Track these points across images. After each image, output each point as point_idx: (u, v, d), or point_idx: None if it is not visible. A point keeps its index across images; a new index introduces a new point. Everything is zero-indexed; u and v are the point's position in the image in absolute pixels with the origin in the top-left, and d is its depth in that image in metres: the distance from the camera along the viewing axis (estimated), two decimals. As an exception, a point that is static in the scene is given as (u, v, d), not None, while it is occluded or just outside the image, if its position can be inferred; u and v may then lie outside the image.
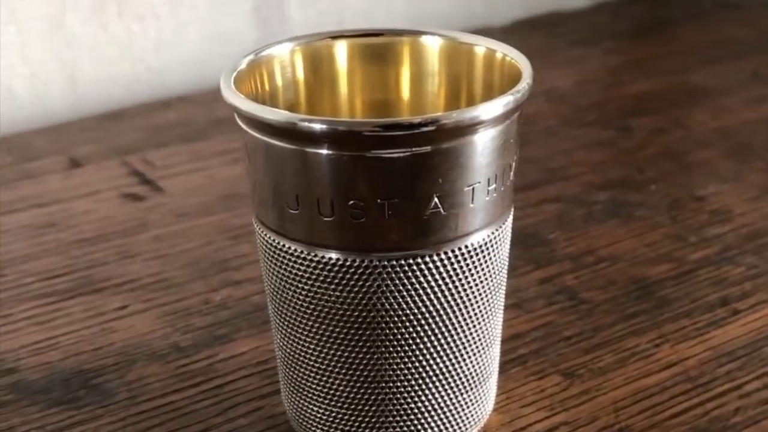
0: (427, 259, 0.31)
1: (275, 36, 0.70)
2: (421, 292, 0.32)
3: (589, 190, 0.52)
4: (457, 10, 0.77)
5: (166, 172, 0.56)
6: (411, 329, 0.32)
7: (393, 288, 0.32)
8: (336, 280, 0.32)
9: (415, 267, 0.32)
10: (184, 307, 0.44)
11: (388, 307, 0.32)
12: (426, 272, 0.32)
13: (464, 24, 0.76)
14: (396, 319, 0.32)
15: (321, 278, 0.32)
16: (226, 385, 0.39)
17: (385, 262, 0.31)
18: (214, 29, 0.68)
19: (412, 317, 0.32)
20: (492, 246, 0.33)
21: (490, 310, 0.34)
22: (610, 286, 0.44)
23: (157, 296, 0.45)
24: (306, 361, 0.33)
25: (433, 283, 0.32)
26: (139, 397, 0.39)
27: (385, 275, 0.31)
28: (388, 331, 0.32)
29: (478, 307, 0.33)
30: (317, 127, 0.29)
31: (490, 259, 0.33)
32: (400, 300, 0.32)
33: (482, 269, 0.33)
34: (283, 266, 0.32)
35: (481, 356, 0.34)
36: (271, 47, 0.34)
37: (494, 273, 0.34)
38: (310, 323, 0.33)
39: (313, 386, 0.34)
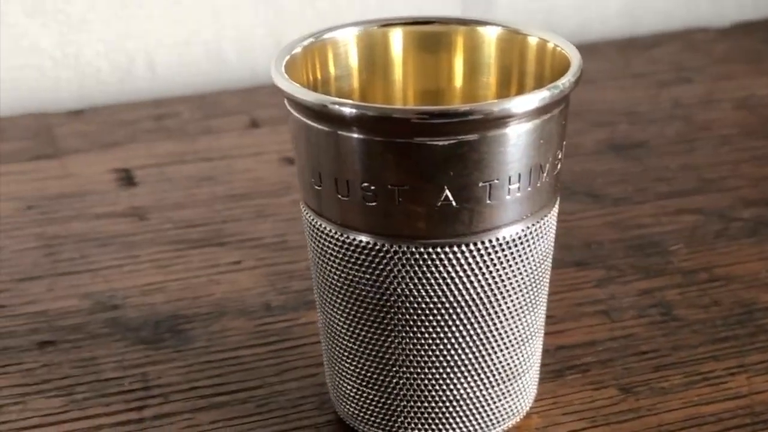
0: (455, 249, 0.31)
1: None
2: (449, 281, 0.31)
3: (736, 206, 0.49)
4: (679, 7, 0.74)
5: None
6: (438, 318, 0.32)
7: (421, 275, 0.31)
8: (365, 263, 0.32)
9: (443, 256, 0.31)
10: (289, 270, 0.45)
11: (416, 293, 0.32)
12: (454, 262, 0.31)
13: (686, 22, 0.72)
14: (423, 306, 0.32)
15: (352, 260, 0.32)
16: (293, 349, 0.40)
17: (413, 249, 0.31)
18: (418, 11, 0.69)
19: (440, 306, 0.32)
20: (526, 241, 0.32)
21: (525, 305, 0.33)
22: (711, 307, 0.41)
23: (271, 256, 0.46)
24: (340, 340, 0.34)
25: (461, 274, 0.31)
26: (213, 347, 0.40)
27: (413, 262, 0.31)
28: (416, 317, 0.32)
29: (510, 301, 0.32)
30: (347, 110, 0.29)
31: (525, 254, 0.32)
32: (428, 288, 0.31)
33: (514, 263, 0.32)
34: (321, 246, 0.33)
35: (513, 352, 0.33)
36: (326, 32, 0.34)
37: (529, 268, 0.32)
38: (344, 304, 0.33)
39: (346, 365, 0.34)
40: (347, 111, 0.29)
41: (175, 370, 0.39)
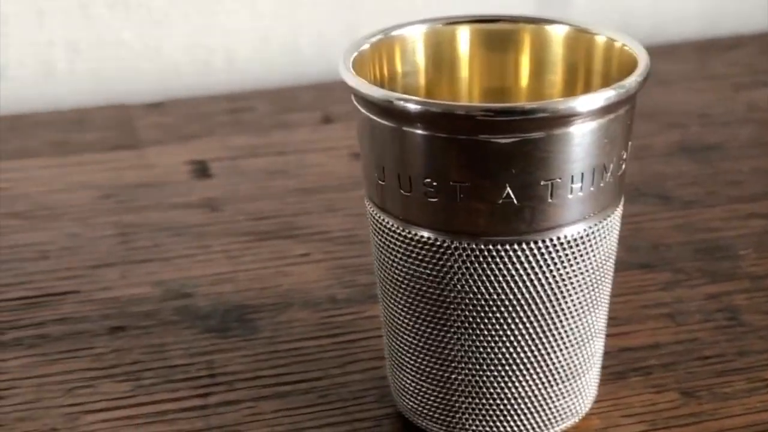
0: (516, 246, 0.31)
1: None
2: (509, 279, 0.31)
3: (810, 212, 0.48)
4: (759, 10, 0.73)
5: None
6: (498, 315, 0.32)
7: (481, 272, 0.31)
8: (427, 259, 0.32)
9: (503, 254, 0.31)
10: (356, 264, 0.45)
11: (476, 290, 0.32)
12: (515, 260, 0.31)
13: (766, 25, 0.71)
14: (484, 303, 0.32)
15: (414, 255, 0.32)
16: (357, 341, 0.40)
17: (474, 246, 0.31)
18: (492, 9, 0.68)
19: (499, 303, 0.32)
20: (589, 240, 0.32)
21: (586, 305, 0.33)
22: (780, 313, 0.41)
23: (338, 249, 0.46)
24: (401, 335, 0.34)
25: (522, 272, 0.31)
26: (279, 338, 0.41)
27: (473, 259, 0.31)
28: (475, 314, 0.32)
29: (571, 301, 0.32)
30: (411, 106, 0.29)
31: (587, 253, 0.32)
32: (488, 285, 0.32)
33: (576, 263, 0.32)
34: (384, 240, 0.33)
35: (573, 351, 0.33)
36: (394, 29, 0.34)
37: (591, 268, 0.32)
38: (405, 299, 0.33)
39: (407, 359, 0.34)
40: (412, 107, 0.29)
41: (240, 359, 0.39)
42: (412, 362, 0.34)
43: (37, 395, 0.38)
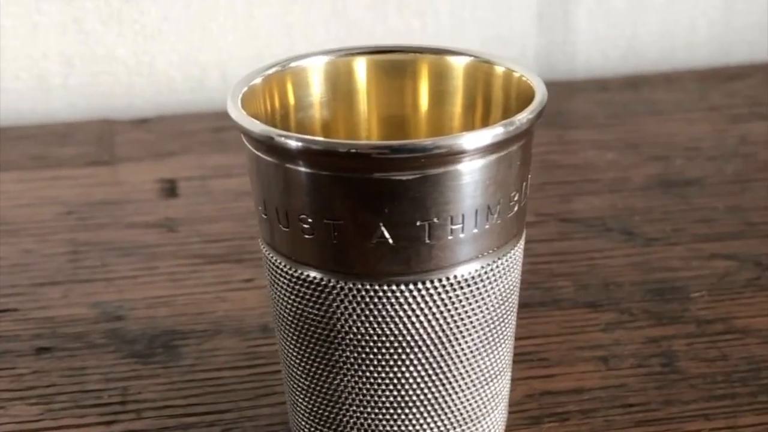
0: (402, 287, 0.30)
1: (558, 45, 0.68)
2: (397, 320, 0.30)
3: (777, 254, 0.46)
4: (772, 40, 0.70)
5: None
6: (387, 357, 0.31)
7: (368, 313, 0.30)
8: (313, 298, 0.31)
9: (390, 294, 0.30)
10: (296, 292, 0.44)
11: (363, 331, 0.30)
12: (402, 301, 0.30)
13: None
14: (372, 345, 0.31)
15: (302, 294, 0.31)
16: (277, 373, 0.39)
17: (359, 286, 0.30)
18: (494, 31, 0.67)
19: (388, 345, 0.31)
20: (482, 280, 0.30)
21: (484, 346, 0.31)
22: (718, 361, 0.39)
23: (283, 277, 0.45)
24: (294, 375, 0.33)
25: (409, 313, 0.30)
26: (199, 366, 0.40)
27: (360, 299, 0.30)
28: (364, 356, 0.31)
29: (465, 342, 0.31)
30: (292, 143, 0.28)
31: (482, 293, 0.30)
32: (375, 326, 0.30)
33: (468, 304, 0.30)
34: (272, 277, 0.32)
35: (472, 393, 0.32)
36: (290, 61, 0.33)
37: (488, 308, 0.31)
38: (295, 338, 0.32)
39: (300, 401, 0.33)
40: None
41: (156, 387, 0.39)
42: (305, 403, 0.33)
43: (-54, 415, 0.38)
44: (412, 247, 0.29)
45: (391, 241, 0.29)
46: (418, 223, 0.29)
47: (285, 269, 0.31)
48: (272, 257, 0.31)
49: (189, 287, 0.45)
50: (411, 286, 0.30)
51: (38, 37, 0.64)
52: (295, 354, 0.32)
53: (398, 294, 0.30)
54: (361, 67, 0.33)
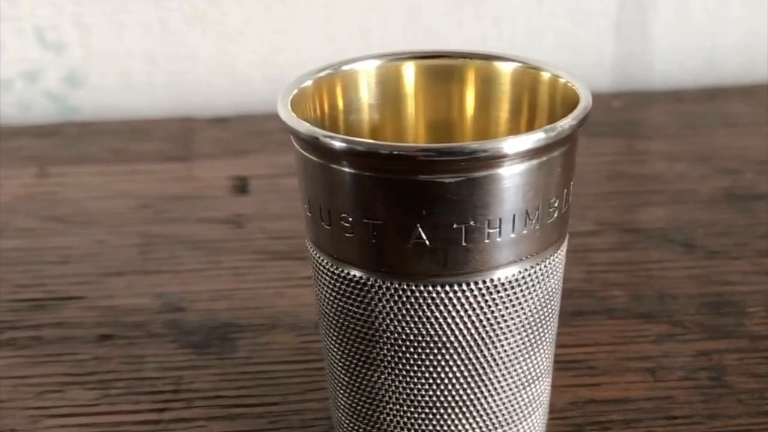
0: (440, 288, 0.30)
1: (635, 55, 0.67)
2: (435, 321, 0.30)
3: (841, 271, 0.45)
4: None
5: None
6: (424, 357, 0.31)
7: (407, 312, 0.30)
8: (355, 297, 0.31)
9: (427, 295, 0.30)
10: (353, 291, 0.45)
11: (402, 331, 0.31)
12: (439, 302, 0.30)
13: None
14: (410, 345, 0.31)
15: (343, 292, 0.31)
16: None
17: (396, 285, 0.30)
18: (571, 39, 0.67)
19: (426, 345, 0.31)
20: (520, 284, 0.30)
21: (523, 350, 0.31)
22: (767, 377, 0.38)
23: (341, 275, 0.46)
24: (336, 372, 0.33)
25: (446, 315, 0.30)
26: (253, 359, 0.40)
27: (397, 298, 0.30)
28: (404, 355, 0.31)
29: (503, 345, 0.31)
30: (336, 144, 0.29)
31: (518, 297, 0.30)
32: (414, 326, 0.31)
33: (507, 307, 0.30)
34: (316, 274, 0.32)
35: (509, 396, 0.32)
36: (341, 65, 0.33)
37: (526, 312, 0.31)
38: (336, 335, 0.32)
39: (341, 397, 0.33)
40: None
41: (209, 377, 0.40)
42: (345, 400, 0.33)
43: (10, 395, 0.39)
44: (449, 249, 0.29)
45: (428, 242, 0.29)
46: (454, 226, 0.29)
47: (328, 267, 0.31)
48: (316, 255, 0.32)
49: (250, 282, 0.46)
50: (449, 288, 0.30)
51: (124, 35, 0.66)
52: (336, 350, 0.32)
53: (435, 295, 0.30)
54: (409, 71, 0.33)
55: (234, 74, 0.67)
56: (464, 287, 0.30)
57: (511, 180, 0.29)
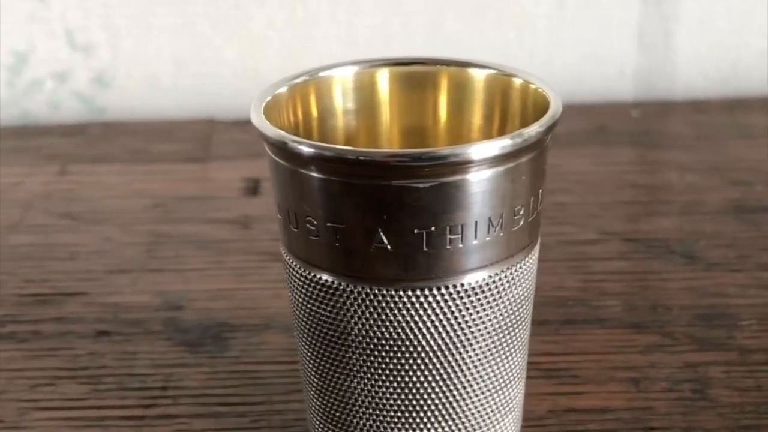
0: (413, 293, 0.30)
1: (657, 65, 0.67)
2: (405, 325, 0.30)
3: (840, 287, 0.44)
4: None
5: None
6: (399, 361, 0.31)
7: (378, 317, 0.30)
8: (324, 300, 0.31)
9: (396, 299, 0.30)
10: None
11: (375, 334, 0.31)
12: (407, 306, 0.30)
13: None
14: (380, 349, 0.31)
15: (313, 295, 0.31)
16: (312, 371, 0.40)
17: (369, 289, 0.30)
18: (592, 48, 0.66)
19: (396, 349, 0.31)
20: (489, 289, 0.30)
21: (493, 354, 0.31)
22: (752, 391, 0.38)
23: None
24: (308, 375, 0.33)
25: (416, 318, 0.30)
26: (242, 359, 0.41)
27: (368, 303, 0.30)
28: (373, 359, 0.31)
29: (473, 350, 0.31)
30: (304, 149, 0.29)
31: (487, 302, 0.30)
32: (388, 330, 0.31)
33: (476, 311, 0.30)
34: (290, 279, 0.32)
35: (482, 399, 0.32)
36: (317, 71, 0.34)
37: (496, 316, 0.31)
38: (309, 338, 0.32)
39: (314, 400, 0.33)
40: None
41: (198, 375, 0.40)
42: (317, 403, 0.33)
43: (4, 387, 0.40)
44: (411, 254, 0.29)
45: (389, 247, 0.29)
46: (415, 231, 0.29)
47: (298, 270, 0.31)
48: (288, 258, 0.32)
49: (251, 282, 0.46)
50: (416, 292, 0.30)
51: (151, 38, 0.66)
52: (308, 353, 0.33)
53: (405, 299, 0.30)
54: (384, 78, 0.34)
55: (258, 77, 0.67)
56: (429, 292, 0.30)
57: (476, 186, 0.29)
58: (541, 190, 0.31)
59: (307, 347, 0.33)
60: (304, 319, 0.32)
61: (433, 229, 0.29)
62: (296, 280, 0.32)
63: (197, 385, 0.39)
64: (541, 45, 0.66)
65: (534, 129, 0.29)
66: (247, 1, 0.66)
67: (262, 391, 0.39)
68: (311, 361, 0.33)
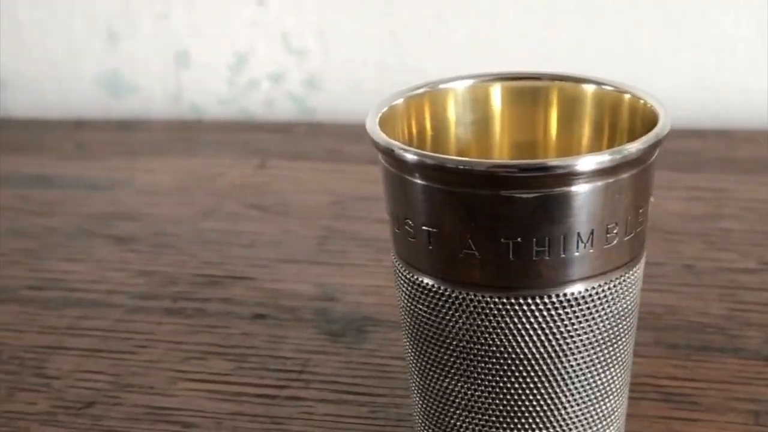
0: (513, 300, 0.30)
1: None
2: (506, 332, 0.30)
3: None
4: None
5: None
6: (494, 366, 0.31)
7: (479, 322, 0.31)
8: (424, 302, 0.32)
9: (492, 306, 0.30)
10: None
11: (475, 340, 0.31)
12: (505, 314, 0.30)
13: None
14: (483, 353, 0.31)
15: (418, 299, 0.32)
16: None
17: (472, 296, 0.31)
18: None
19: (498, 355, 0.31)
20: (590, 301, 0.30)
21: (594, 365, 0.31)
22: None
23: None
24: (412, 375, 0.34)
25: (518, 326, 0.30)
26: (378, 352, 0.42)
27: (465, 307, 0.31)
28: (476, 363, 0.31)
29: (574, 359, 0.31)
30: (409, 156, 0.30)
31: (587, 314, 0.30)
32: (486, 336, 0.31)
33: (575, 322, 0.30)
34: (396, 281, 0.33)
35: (580, 410, 0.32)
36: (436, 84, 0.34)
37: (596, 328, 0.31)
38: (411, 338, 0.33)
39: (416, 400, 0.34)
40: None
41: (333, 363, 0.41)
42: (419, 402, 0.34)
43: (161, 357, 0.42)
44: (497, 263, 0.29)
45: (477, 254, 0.30)
46: (502, 240, 0.29)
47: (403, 272, 0.32)
48: (395, 260, 0.33)
49: (403, 282, 0.47)
50: (511, 300, 0.30)
51: (359, 45, 0.69)
52: (411, 353, 0.33)
53: (499, 306, 0.30)
54: (497, 92, 0.34)
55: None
56: (524, 301, 0.30)
57: (570, 200, 0.29)
58: (641, 210, 0.30)
59: (410, 346, 0.33)
60: (408, 319, 0.33)
61: (520, 239, 0.29)
62: (401, 281, 0.32)
63: (330, 372, 0.41)
64: (739, 70, 0.64)
65: (635, 146, 0.29)
66: (448, 14, 0.67)
67: (387, 384, 0.40)
68: (413, 361, 0.33)
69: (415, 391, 0.34)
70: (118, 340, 0.44)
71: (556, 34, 0.66)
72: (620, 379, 0.32)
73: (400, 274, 0.32)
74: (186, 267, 0.50)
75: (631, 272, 0.31)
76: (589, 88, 0.33)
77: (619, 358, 0.32)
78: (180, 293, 0.47)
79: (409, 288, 0.32)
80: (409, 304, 0.32)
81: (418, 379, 0.33)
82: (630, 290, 0.31)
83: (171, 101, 0.72)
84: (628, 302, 0.31)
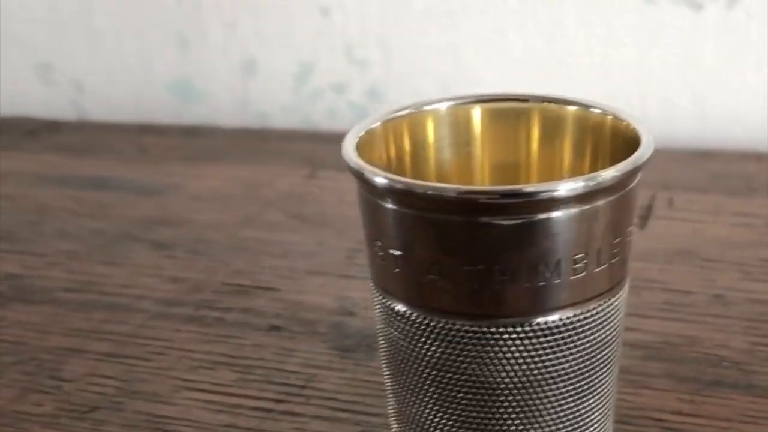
0: (486, 329, 0.29)
1: None
2: (488, 360, 0.29)
3: None
4: None
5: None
6: (470, 395, 0.30)
7: (450, 350, 0.30)
8: (404, 331, 0.31)
9: (471, 335, 0.29)
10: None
11: (447, 367, 0.30)
12: (485, 343, 0.29)
13: None
14: (455, 381, 0.30)
15: (393, 326, 0.31)
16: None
17: (443, 323, 0.30)
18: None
19: (473, 383, 0.30)
20: (564, 331, 0.29)
21: (571, 395, 0.30)
22: None
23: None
24: (389, 401, 0.33)
25: (492, 355, 0.29)
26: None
27: (444, 336, 0.30)
28: (449, 391, 0.31)
29: (550, 389, 0.29)
30: (379, 180, 0.29)
31: (562, 343, 0.29)
32: (467, 365, 0.30)
33: (550, 351, 0.29)
34: (372, 304, 0.32)
35: None
36: (420, 106, 0.33)
37: (570, 358, 0.29)
38: (388, 365, 0.32)
39: (393, 422, 0.33)
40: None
41: (336, 379, 0.41)
42: (395, 425, 0.33)
43: (172, 365, 0.42)
44: (468, 290, 0.28)
45: (446, 281, 0.29)
46: (469, 267, 0.28)
47: (376, 296, 0.31)
48: (371, 284, 0.32)
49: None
50: (483, 329, 0.29)
51: (420, 58, 0.68)
52: (387, 378, 0.32)
53: (470, 334, 0.29)
54: (477, 114, 0.33)
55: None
56: (497, 330, 0.29)
57: (547, 227, 0.28)
58: (619, 239, 0.29)
59: (386, 371, 0.32)
60: (383, 344, 0.32)
61: (487, 267, 0.28)
62: (375, 305, 0.32)
63: (332, 388, 0.40)
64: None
65: (610, 173, 0.27)
66: (507, 28, 0.65)
67: (384, 404, 0.39)
68: (390, 385, 0.32)
69: (393, 418, 0.33)
70: (136, 345, 0.44)
71: (614, 49, 0.64)
72: (600, 409, 0.31)
73: (374, 299, 0.31)
74: (216, 275, 0.50)
75: (610, 301, 0.30)
76: (571, 110, 0.32)
77: (599, 389, 0.30)
78: (204, 301, 0.47)
79: (383, 313, 0.31)
80: (384, 329, 0.31)
81: (394, 405, 0.32)
82: (609, 320, 0.30)
83: (238, 108, 0.73)
84: (608, 332, 0.30)
